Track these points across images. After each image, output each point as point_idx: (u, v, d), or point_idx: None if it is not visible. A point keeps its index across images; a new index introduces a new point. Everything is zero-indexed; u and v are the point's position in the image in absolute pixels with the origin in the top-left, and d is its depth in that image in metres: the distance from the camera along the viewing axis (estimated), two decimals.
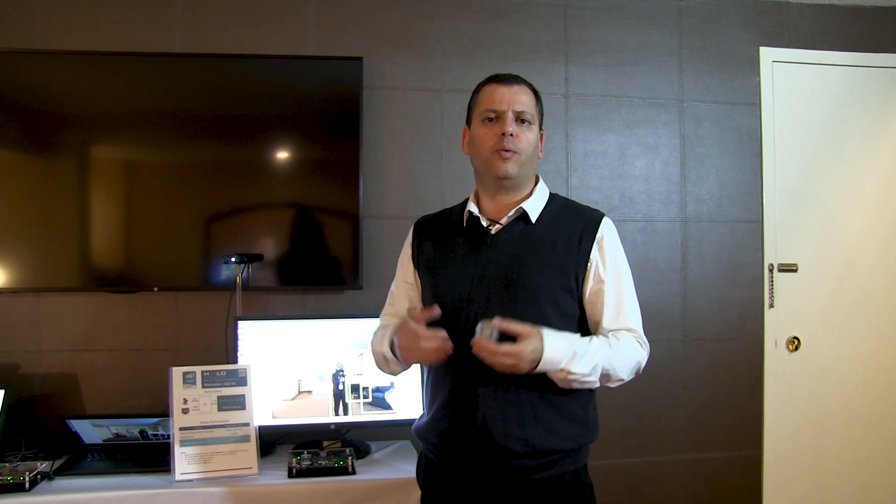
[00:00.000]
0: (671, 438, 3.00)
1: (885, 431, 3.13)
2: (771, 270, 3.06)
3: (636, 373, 1.67)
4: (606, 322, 1.65)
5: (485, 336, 1.51)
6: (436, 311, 1.61)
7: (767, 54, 3.09)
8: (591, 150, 2.98)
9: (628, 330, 1.66)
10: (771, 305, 3.06)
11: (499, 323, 1.51)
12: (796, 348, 3.08)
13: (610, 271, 1.66)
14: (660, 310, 2.97)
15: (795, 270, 3.07)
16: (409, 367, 1.75)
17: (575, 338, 1.58)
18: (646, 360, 1.68)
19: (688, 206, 3.04)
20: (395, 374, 1.80)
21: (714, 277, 3.04)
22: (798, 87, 3.11)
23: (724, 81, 3.07)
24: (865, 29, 3.15)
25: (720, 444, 3.03)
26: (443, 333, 1.58)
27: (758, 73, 3.09)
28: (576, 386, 1.57)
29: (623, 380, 1.64)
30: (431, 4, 2.88)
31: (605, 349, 1.58)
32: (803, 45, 3.11)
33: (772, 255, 3.07)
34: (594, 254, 1.66)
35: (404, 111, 2.85)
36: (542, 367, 1.51)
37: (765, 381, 3.05)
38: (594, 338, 1.62)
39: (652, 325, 2.91)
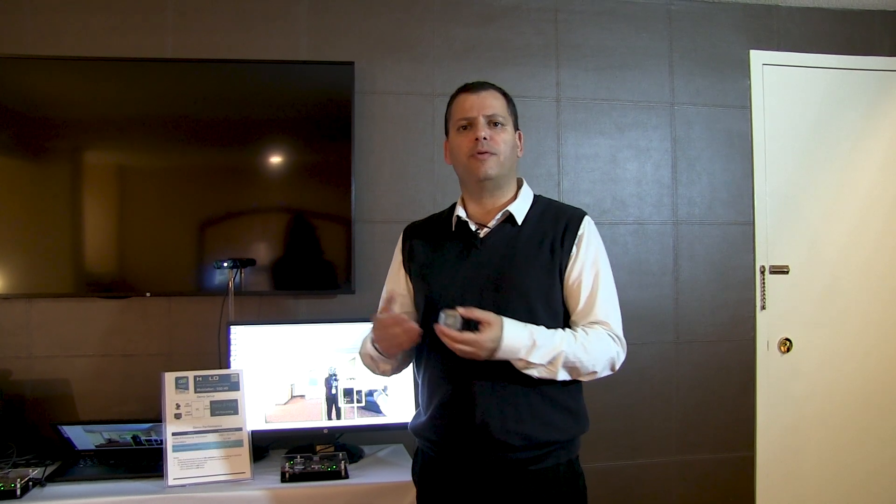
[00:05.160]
0: (663, 440, 3.01)
1: (877, 432, 3.14)
2: (762, 272, 3.07)
3: (612, 368, 1.69)
4: (577, 315, 1.69)
5: (448, 324, 1.55)
6: (393, 308, 1.64)
7: (758, 57, 3.11)
8: (582, 153, 2.99)
9: (599, 323, 1.68)
10: (763, 307, 3.07)
11: (462, 311, 1.56)
12: (788, 350, 3.09)
13: (588, 266, 1.70)
14: (652, 312, 2.98)
15: (787, 272, 3.09)
16: (395, 362, 1.79)
17: (538, 329, 1.61)
18: (622, 355, 1.70)
19: (679, 208, 3.05)
20: (385, 373, 1.84)
21: (706, 280, 3.05)
22: (788, 89, 3.12)
23: (714, 84, 3.08)
24: (855, 32, 3.17)
25: (712, 445, 3.04)
26: (405, 320, 1.62)
27: (748, 76, 3.10)
28: (536, 375, 1.60)
29: (596, 373, 1.65)
30: (422, 9, 2.89)
31: (569, 341, 1.61)
32: (793, 49, 3.13)
33: (763, 257, 3.08)
34: (574, 250, 1.71)
35: (396, 115, 2.85)
36: (500, 354, 1.56)
37: (757, 383, 3.07)
38: (560, 330, 1.64)
39: (644, 327, 2.97)
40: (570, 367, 1.62)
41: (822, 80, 3.14)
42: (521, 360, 1.58)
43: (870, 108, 3.17)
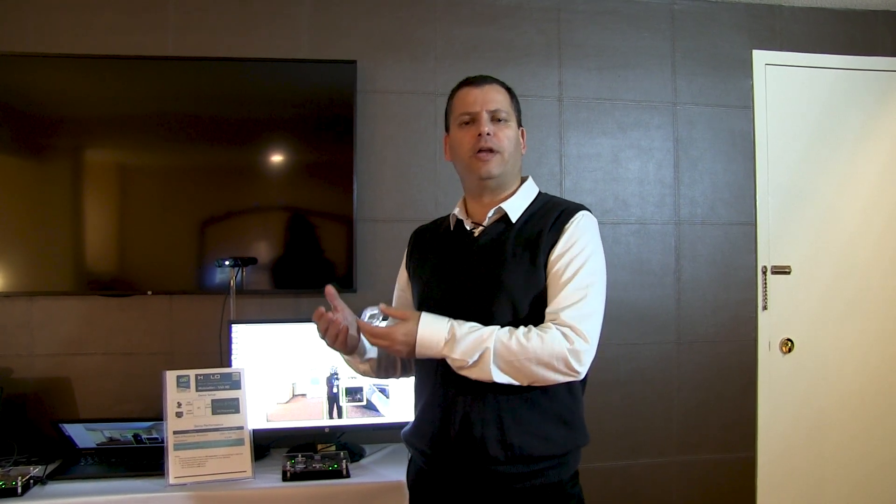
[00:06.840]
0: (665, 441, 3.01)
1: (879, 432, 3.14)
2: (764, 273, 3.07)
3: (567, 366, 1.49)
4: (547, 309, 1.57)
5: (366, 319, 1.60)
6: (329, 290, 1.59)
7: (760, 57, 3.11)
8: (584, 153, 2.98)
9: (553, 313, 1.53)
10: (764, 307, 3.07)
11: (384, 307, 1.58)
12: (790, 350, 3.09)
13: (568, 258, 1.58)
14: (654, 313, 2.98)
15: (789, 272, 3.09)
16: (367, 363, 1.76)
17: (463, 325, 1.52)
18: (584, 353, 1.51)
19: (681, 208, 3.04)
20: (366, 374, 1.81)
21: (708, 280, 3.05)
22: (791, 89, 3.12)
23: (717, 84, 3.08)
24: (857, 32, 3.17)
25: (714, 446, 3.04)
26: (323, 314, 1.59)
27: (751, 76, 3.10)
28: (473, 377, 1.52)
29: (545, 376, 1.50)
30: (425, 8, 2.89)
31: (500, 338, 1.50)
32: (796, 49, 3.13)
33: (765, 258, 3.08)
34: (560, 240, 1.60)
35: (398, 115, 2.85)
36: (419, 350, 1.52)
37: (758, 384, 3.06)
38: (494, 327, 1.52)
39: (645, 327, 2.97)
40: (504, 368, 1.49)
41: (825, 81, 3.14)
42: (447, 357, 1.51)
43: (872, 108, 3.16)
